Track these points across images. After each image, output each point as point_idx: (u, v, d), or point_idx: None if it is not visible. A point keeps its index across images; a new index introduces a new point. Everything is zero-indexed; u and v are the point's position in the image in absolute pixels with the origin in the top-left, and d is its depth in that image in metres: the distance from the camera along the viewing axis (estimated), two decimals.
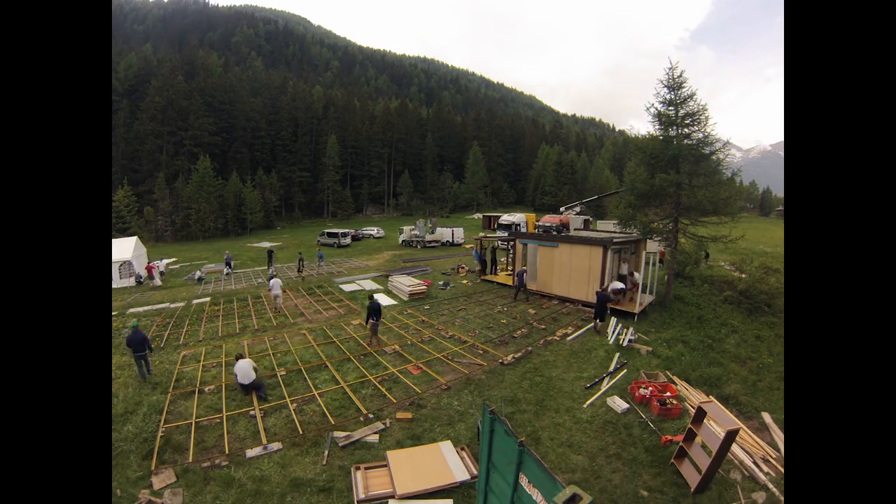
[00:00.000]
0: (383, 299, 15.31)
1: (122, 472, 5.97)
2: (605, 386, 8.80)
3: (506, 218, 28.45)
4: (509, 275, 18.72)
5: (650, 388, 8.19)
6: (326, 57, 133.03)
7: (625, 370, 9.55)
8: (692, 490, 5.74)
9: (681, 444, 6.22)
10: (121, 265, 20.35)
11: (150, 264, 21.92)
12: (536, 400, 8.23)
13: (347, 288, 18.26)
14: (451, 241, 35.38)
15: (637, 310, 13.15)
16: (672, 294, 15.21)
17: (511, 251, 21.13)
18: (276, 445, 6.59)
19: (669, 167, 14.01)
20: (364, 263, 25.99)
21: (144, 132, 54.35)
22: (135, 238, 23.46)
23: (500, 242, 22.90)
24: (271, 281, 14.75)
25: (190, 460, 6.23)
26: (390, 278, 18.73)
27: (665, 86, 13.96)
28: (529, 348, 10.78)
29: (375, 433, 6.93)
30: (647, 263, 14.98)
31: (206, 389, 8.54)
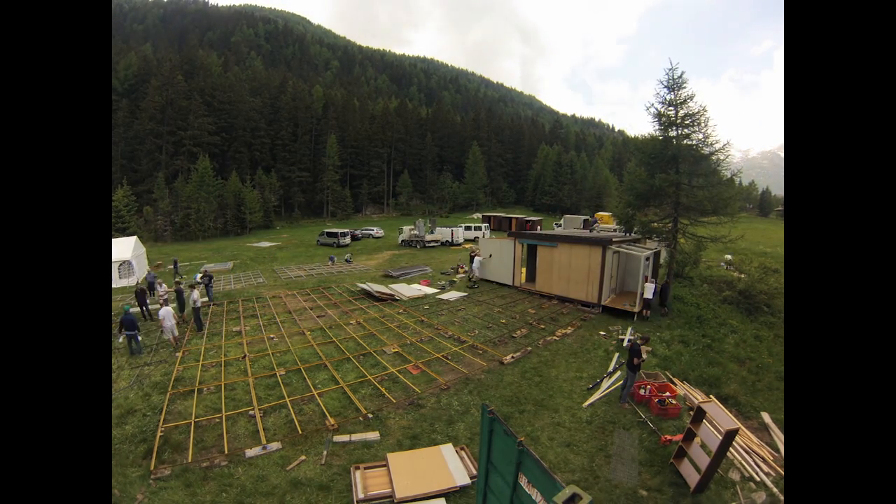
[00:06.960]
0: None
1: (122, 472, 5.97)
2: (604, 386, 8.81)
3: None
4: None
5: (649, 388, 8.20)
6: (326, 57, 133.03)
7: (620, 371, 9.55)
8: (691, 490, 5.75)
9: (680, 443, 6.22)
10: (120, 265, 20.33)
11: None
12: (536, 400, 8.23)
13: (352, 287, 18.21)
14: (450, 240, 35.31)
15: (636, 310, 13.16)
16: (671, 294, 15.20)
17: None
18: (275, 445, 6.60)
19: (669, 167, 14.03)
20: (364, 265, 25.96)
21: (144, 132, 54.26)
22: (134, 238, 23.41)
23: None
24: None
25: (189, 460, 6.23)
26: (391, 286, 18.62)
27: (665, 86, 13.98)
28: (529, 348, 10.78)
29: (376, 431, 6.93)
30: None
31: (205, 389, 8.54)
